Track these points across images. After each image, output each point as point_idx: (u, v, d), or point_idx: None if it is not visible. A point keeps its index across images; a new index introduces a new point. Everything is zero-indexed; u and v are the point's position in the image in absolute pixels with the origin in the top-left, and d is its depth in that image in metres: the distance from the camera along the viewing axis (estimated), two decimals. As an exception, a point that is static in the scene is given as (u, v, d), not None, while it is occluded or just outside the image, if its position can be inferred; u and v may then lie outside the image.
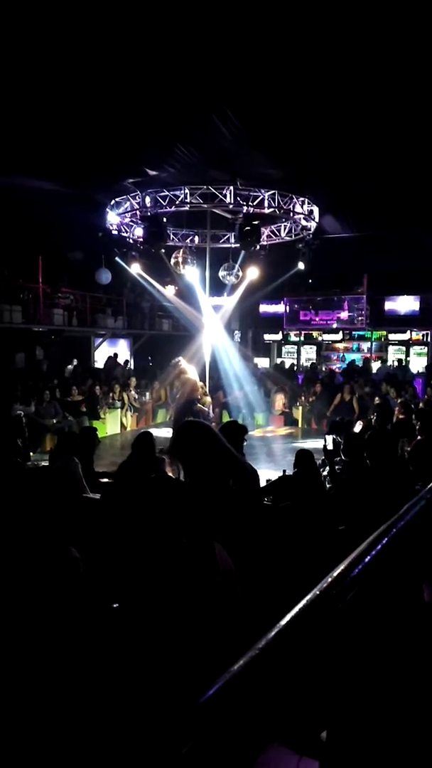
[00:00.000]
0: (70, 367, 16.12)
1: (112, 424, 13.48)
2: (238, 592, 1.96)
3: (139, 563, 2.08)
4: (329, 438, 5.78)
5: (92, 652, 1.75)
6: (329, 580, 0.64)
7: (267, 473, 6.06)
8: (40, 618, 1.70)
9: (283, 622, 0.59)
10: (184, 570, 1.80)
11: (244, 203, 10.52)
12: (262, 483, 5.11)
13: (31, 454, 9.28)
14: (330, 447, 5.69)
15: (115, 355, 17.39)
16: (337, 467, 5.78)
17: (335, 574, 0.65)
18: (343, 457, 5.41)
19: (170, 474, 6.59)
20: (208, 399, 10.00)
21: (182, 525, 1.94)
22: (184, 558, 1.83)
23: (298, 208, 11.17)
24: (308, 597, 0.62)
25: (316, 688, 0.60)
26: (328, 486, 5.91)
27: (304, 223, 11.82)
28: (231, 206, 10.61)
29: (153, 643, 1.73)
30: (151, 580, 1.87)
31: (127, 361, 17.68)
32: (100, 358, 17.59)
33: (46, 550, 1.84)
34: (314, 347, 20.79)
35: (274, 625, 0.60)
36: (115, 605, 2.34)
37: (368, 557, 0.67)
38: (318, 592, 0.61)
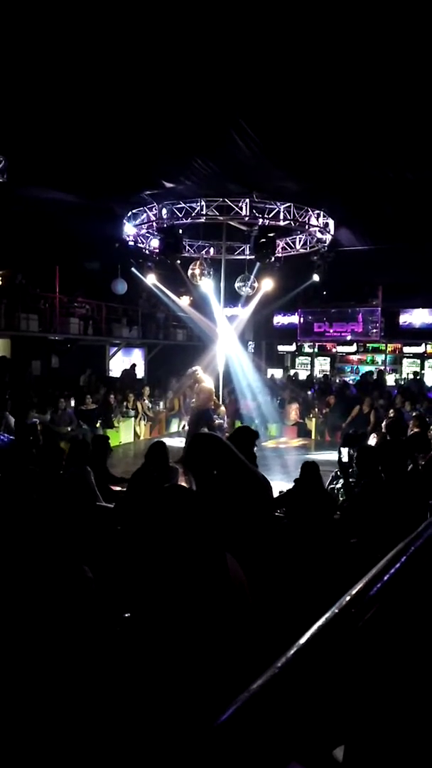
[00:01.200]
0: (84, 376, 16.24)
1: (125, 433, 13.52)
2: (250, 603, 1.95)
3: (151, 573, 2.08)
4: (344, 450, 5.74)
5: (102, 665, 1.75)
6: (347, 598, 0.64)
7: (280, 485, 6.02)
8: (51, 634, 1.70)
9: (302, 640, 0.59)
10: (196, 581, 1.80)
11: (260, 216, 10.58)
12: (275, 494, 5.09)
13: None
14: (345, 459, 5.65)
15: (133, 366, 17.48)
16: (351, 480, 5.74)
17: (353, 592, 0.65)
18: (356, 469, 5.37)
19: (183, 484, 6.58)
20: (222, 409, 10.01)
21: (195, 535, 1.93)
22: (197, 569, 1.83)
23: (313, 221, 11.20)
24: (327, 615, 0.62)
25: (333, 706, 0.60)
26: (341, 499, 5.87)
27: (319, 235, 11.84)
28: (247, 218, 10.67)
29: (163, 653, 1.72)
30: (162, 590, 1.87)
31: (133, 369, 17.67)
32: (114, 367, 17.70)
33: (59, 570, 1.84)
34: (328, 359, 20.74)
35: (293, 644, 0.60)
36: (126, 615, 2.34)
37: (387, 575, 0.67)
38: (336, 611, 0.61)
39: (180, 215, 10.76)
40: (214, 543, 1.88)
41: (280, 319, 21.12)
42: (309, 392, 16.36)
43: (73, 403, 12.32)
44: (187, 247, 12.91)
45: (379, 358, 20.04)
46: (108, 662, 1.73)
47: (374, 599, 0.63)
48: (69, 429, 11.27)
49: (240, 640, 1.76)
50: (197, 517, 1.96)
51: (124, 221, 11.91)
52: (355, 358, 20.44)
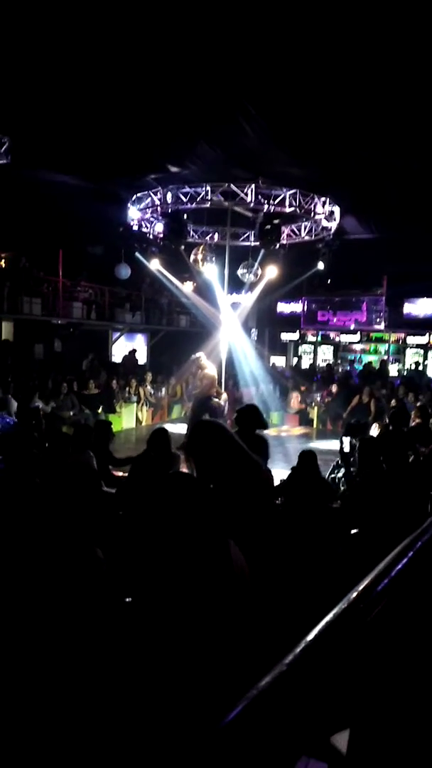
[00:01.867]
0: (86, 360, 16.23)
1: (127, 419, 13.55)
2: (250, 590, 1.96)
3: (154, 559, 2.09)
4: (346, 440, 5.75)
5: (105, 650, 1.76)
6: (354, 594, 0.64)
7: (281, 473, 6.03)
8: (62, 616, 1.71)
9: (310, 636, 0.59)
10: (199, 567, 1.81)
11: (265, 202, 10.49)
12: (276, 483, 5.10)
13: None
14: (347, 449, 5.66)
15: (134, 351, 17.45)
16: (352, 469, 5.75)
17: (360, 588, 0.65)
18: (359, 459, 5.38)
19: (185, 470, 6.61)
20: (225, 395, 10.00)
21: (199, 522, 1.94)
22: (200, 555, 1.84)
23: (319, 209, 11.10)
24: (334, 611, 0.62)
25: (340, 700, 0.60)
26: (342, 488, 5.89)
27: (324, 223, 11.74)
28: (252, 204, 10.58)
29: (165, 641, 1.74)
30: (165, 577, 1.88)
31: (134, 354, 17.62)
32: (117, 352, 17.67)
33: (72, 550, 1.85)
34: (331, 348, 20.68)
35: (299, 640, 0.60)
36: (127, 599, 2.36)
37: (394, 571, 0.67)
38: (344, 606, 0.61)
39: (185, 200, 10.67)
40: (217, 530, 1.89)
41: (283, 307, 21.03)
42: (314, 380, 16.35)
43: (75, 387, 12.33)
44: (192, 232, 12.82)
45: (383, 347, 19.99)
46: (112, 648, 1.74)
47: (382, 594, 0.63)
48: (71, 414, 11.29)
49: (240, 627, 1.77)
50: (201, 504, 1.97)
51: (129, 205, 11.82)
52: (358, 347, 20.38)
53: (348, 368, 18.75)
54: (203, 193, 10.48)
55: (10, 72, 6.82)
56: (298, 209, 10.78)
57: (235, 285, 13.18)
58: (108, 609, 1.82)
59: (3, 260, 14.53)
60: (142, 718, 1.52)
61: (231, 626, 1.72)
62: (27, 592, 1.79)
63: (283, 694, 0.54)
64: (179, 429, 10.34)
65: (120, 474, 6.25)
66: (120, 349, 17.79)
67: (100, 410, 12.33)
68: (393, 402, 12.10)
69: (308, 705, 0.55)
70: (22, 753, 1.49)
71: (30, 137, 8.53)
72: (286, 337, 21.37)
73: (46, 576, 1.78)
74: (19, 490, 3.04)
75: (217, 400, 9.28)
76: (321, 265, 12.53)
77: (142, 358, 18.50)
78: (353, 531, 4.03)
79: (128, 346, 17.91)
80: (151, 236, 12.61)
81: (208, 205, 10.70)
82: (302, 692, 0.55)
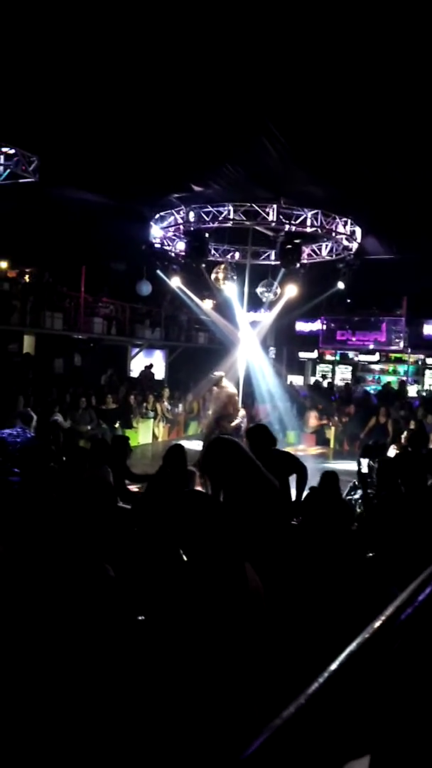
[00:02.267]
0: (105, 375, 16.36)
1: (144, 434, 13.58)
2: (266, 612, 1.94)
3: (169, 578, 2.07)
4: (364, 461, 5.68)
5: (114, 668, 1.74)
6: (378, 623, 0.63)
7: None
8: (73, 632, 1.70)
9: (333, 666, 0.58)
10: (214, 587, 1.79)
11: (287, 222, 10.55)
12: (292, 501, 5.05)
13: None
14: (365, 470, 5.59)
15: (150, 366, 17.56)
16: (370, 491, 5.68)
17: (384, 617, 0.63)
18: (376, 481, 5.32)
19: (200, 488, 6.59)
20: (242, 412, 9.96)
21: (214, 543, 1.93)
22: (215, 575, 1.82)
23: (340, 228, 11.13)
24: (357, 641, 0.61)
25: (361, 732, 0.59)
26: (359, 510, 5.80)
27: (345, 243, 11.77)
28: (273, 224, 10.65)
29: (177, 660, 1.72)
30: (179, 596, 1.87)
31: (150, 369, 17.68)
32: (135, 367, 17.80)
33: (83, 568, 1.85)
34: (350, 367, 20.56)
35: (319, 666, 0.59)
36: (140, 618, 2.34)
37: (418, 600, 0.66)
38: (368, 636, 0.60)
39: (207, 219, 10.79)
40: (233, 551, 1.88)
41: (302, 326, 21.01)
42: (331, 399, 16.24)
43: (94, 402, 12.41)
44: (213, 250, 12.94)
45: (402, 368, 19.82)
46: (122, 667, 1.73)
47: (406, 624, 0.62)
48: (89, 428, 11.35)
49: (256, 649, 1.74)
50: (217, 524, 1.96)
51: (151, 223, 11.99)
52: (377, 367, 20.23)
53: (366, 388, 18.61)
54: (225, 212, 10.60)
55: (40, 93, 7.01)
56: (319, 229, 10.83)
57: (255, 303, 13.23)
58: (117, 627, 1.81)
59: (27, 275, 14.80)
60: (154, 742, 1.50)
61: (246, 648, 1.70)
62: (36, 608, 1.79)
63: (306, 726, 0.53)
64: (195, 446, 10.32)
65: (136, 489, 6.25)
66: (139, 364, 17.92)
67: (117, 425, 12.38)
68: (412, 423, 11.96)
69: (331, 737, 0.54)
70: None
71: (58, 156, 8.74)
72: (304, 355, 21.31)
73: (55, 592, 1.78)
74: (35, 505, 3.05)
75: (234, 422, 9.26)
76: (341, 285, 12.51)
77: (160, 374, 18.58)
78: (370, 554, 3.97)
79: (147, 362, 18.03)
80: (172, 254, 12.75)
81: (229, 224, 10.81)
82: (325, 724, 0.54)
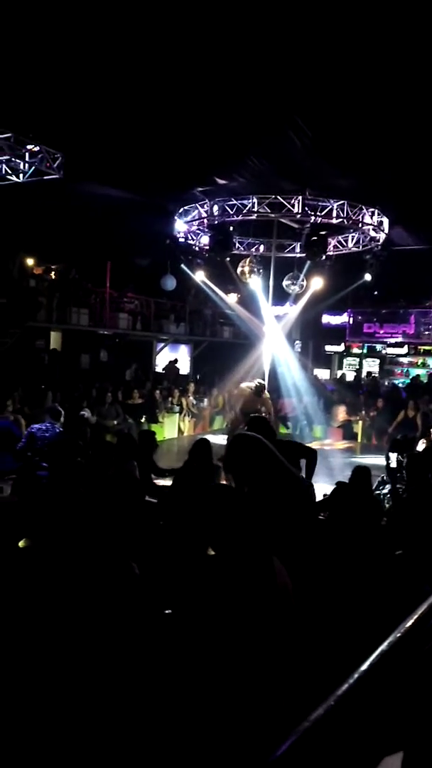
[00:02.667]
0: (130, 370, 16.48)
1: (169, 429, 13.63)
2: (294, 608, 1.91)
3: (197, 572, 2.06)
4: (393, 456, 5.59)
5: (138, 663, 1.74)
6: (410, 623, 0.60)
7: (324, 488, 5.92)
8: (98, 630, 1.71)
9: (365, 666, 0.56)
10: (242, 581, 1.77)
11: (312, 213, 10.41)
12: (319, 497, 5.00)
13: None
14: (393, 465, 5.50)
15: (175, 360, 17.62)
16: (399, 486, 5.59)
17: (415, 617, 0.61)
18: (405, 476, 5.23)
19: (225, 482, 6.57)
20: (269, 403, 9.89)
21: (243, 538, 1.91)
22: (243, 569, 1.81)
23: (367, 219, 10.94)
24: (389, 640, 0.58)
25: (393, 731, 0.57)
26: (387, 505, 5.72)
27: (372, 234, 11.56)
28: (298, 216, 10.53)
29: (204, 655, 1.70)
30: (207, 590, 1.86)
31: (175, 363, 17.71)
32: (161, 362, 17.88)
33: (109, 565, 1.85)
34: (377, 360, 20.27)
35: (349, 666, 0.56)
36: (167, 611, 2.34)
37: (453, 599, 0.63)
38: (399, 635, 0.58)
39: (231, 212, 10.73)
40: (261, 546, 1.86)
41: (328, 319, 20.78)
42: (359, 393, 16.05)
43: (120, 397, 12.50)
44: (237, 244, 12.87)
45: (431, 361, 19.46)
46: (149, 660, 1.72)
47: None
48: (115, 423, 11.44)
49: (284, 645, 1.72)
50: (244, 518, 1.94)
51: (175, 218, 11.98)
52: (405, 360, 19.90)
53: (394, 381, 18.32)
54: (249, 205, 10.51)
55: (64, 90, 7.05)
56: (345, 220, 10.67)
57: (280, 296, 13.13)
58: (141, 624, 1.80)
59: (53, 272, 14.96)
60: (180, 740, 1.49)
61: (274, 644, 1.68)
62: (60, 603, 1.79)
63: (337, 727, 0.50)
64: (221, 440, 10.32)
65: (162, 484, 6.28)
66: (164, 359, 18.00)
67: (143, 420, 12.46)
68: (442, 417, 11.72)
69: (361, 739, 0.52)
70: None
71: (82, 153, 8.79)
72: (330, 349, 21.09)
73: (80, 588, 1.78)
74: (63, 499, 3.08)
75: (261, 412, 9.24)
76: (368, 277, 12.31)
77: (185, 368, 18.62)
78: (398, 552, 3.90)
79: (172, 356, 18.09)
80: (196, 248, 12.73)
81: (254, 217, 10.72)
82: (356, 725, 0.52)
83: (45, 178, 8.77)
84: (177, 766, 1.44)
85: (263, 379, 10.06)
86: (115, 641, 1.68)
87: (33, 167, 8.60)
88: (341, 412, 14.60)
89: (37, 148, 8.49)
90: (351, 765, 0.52)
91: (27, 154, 8.58)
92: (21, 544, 2.73)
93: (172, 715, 1.55)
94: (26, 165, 8.64)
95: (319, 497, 4.96)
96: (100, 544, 1.97)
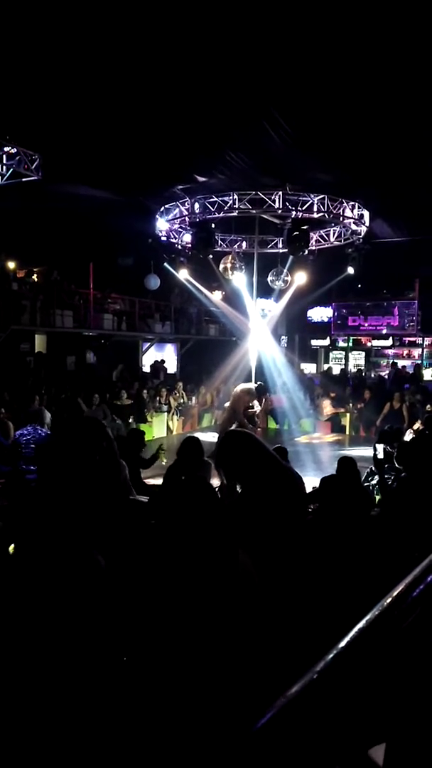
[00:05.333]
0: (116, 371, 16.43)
1: (158, 428, 13.62)
2: (259, 594, 1.93)
3: (163, 564, 2.07)
4: (379, 447, 5.62)
5: (104, 650, 1.74)
6: (389, 600, 0.60)
7: (313, 480, 5.96)
8: (57, 618, 1.70)
9: (342, 644, 0.56)
10: (205, 574, 1.79)
11: (293, 208, 10.45)
12: (308, 490, 5.03)
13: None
14: (380, 456, 5.53)
15: (162, 360, 17.60)
16: (387, 477, 5.63)
17: (395, 594, 0.61)
18: (396, 465, 5.26)
19: (215, 479, 6.59)
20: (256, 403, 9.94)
21: (207, 528, 1.93)
22: (207, 562, 1.82)
23: (348, 213, 11.00)
24: (367, 618, 0.59)
25: (374, 708, 0.57)
26: (377, 497, 5.76)
27: (354, 227, 11.63)
28: (280, 211, 10.55)
29: (168, 643, 1.72)
30: (169, 581, 1.87)
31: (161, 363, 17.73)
32: (147, 362, 17.86)
33: (68, 555, 1.85)
34: (363, 353, 20.41)
35: (331, 647, 0.57)
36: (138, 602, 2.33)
37: (430, 577, 0.63)
38: (378, 613, 0.58)
39: (212, 209, 10.73)
40: (226, 537, 1.87)
41: (313, 313, 20.88)
42: (347, 386, 16.15)
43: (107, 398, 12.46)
44: (220, 241, 12.88)
45: (416, 352, 19.62)
46: (113, 648, 1.73)
47: (417, 601, 0.60)
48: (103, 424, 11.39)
49: (252, 629, 1.74)
50: (211, 510, 1.95)
51: (157, 216, 11.94)
52: (390, 352, 20.06)
53: (380, 374, 18.46)
54: (231, 201, 10.52)
55: (38, 90, 6.99)
56: (326, 214, 10.71)
57: (265, 292, 13.16)
58: (107, 613, 1.80)
59: (35, 274, 14.86)
60: (158, 721, 1.50)
61: (239, 628, 1.70)
62: (32, 601, 1.79)
63: (314, 702, 0.51)
64: (210, 437, 10.33)
65: (152, 483, 6.28)
66: (150, 359, 17.98)
67: (131, 420, 12.43)
68: (429, 407, 11.85)
69: (340, 714, 0.52)
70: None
71: (60, 153, 8.72)
72: (316, 343, 21.19)
73: (42, 579, 1.78)
74: (52, 501, 3.05)
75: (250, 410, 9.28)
76: (351, 270, 12.38)
77: (172, 367, 18.61)
78: (387, 539, 3.93)
79: (158, 356, 18.07)
80: (179, 246, 12.71)
81: (235, 213, 10.73)
82: (333, 701, 0.52)
83: (23, 180, 8.70)
84: (157, 739, 1.45)
85: (251, 376, 10.08)
86: (86, 631, 1.68)
87: (11, 169, 8.52)
88: (326, 406, 14.69)
89: (14, 150, 8.41)
90: (331, 740, 0.53)
91: (4, 156, 8.50)
92: (11, 549, 2.72)
93: (144, 693, 1.56)
94: (3, 167, 8.56)
95: (308, 490, 4.99)
96: (60, 536, 1.97)
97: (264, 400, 10.54)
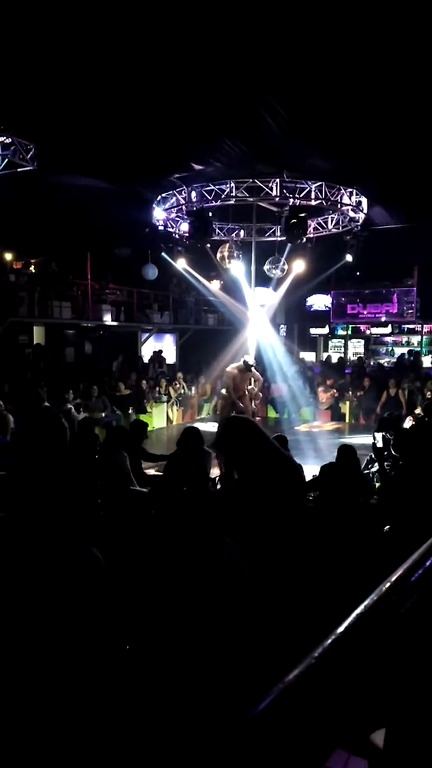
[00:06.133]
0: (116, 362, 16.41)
1: (158, 418, 13.64)
2: (249, 582, 1.94)
3: (151, 557, 2.09)
4: (378, 435, 5.64)
5: (101, 642, 1.75)
6: (387, 585, 0.60)
7: (313, 469, 5.98)
8: (55, 612, 1.71)
9: (341, 629, 0.56)
10: (191, 561, 1.80)
11: (291, 195, 10.38)
12: (308, 479, 5.05)
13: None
14: (380, 444, 5.55)
15: (160, 351, 17.57)
16: (386, 464, 5.65)
17: (393, 579, 0.61)
18: (393, 453, 5.28)
19: (216, 468, 6.61)
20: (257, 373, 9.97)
21: (193, 518, 1.94)
22: (192, 550, 1.83)
23: (345, 200, 10.93)
24: (366, 603, 0.59)
25: (373, 692, 0.57)
26: (377, 484, 5.78)
27: (352, 214, 11.55)
28: (277, 199, 10.48)
29: (161, 632, 1.73)
30: (160, 571, 1.88)
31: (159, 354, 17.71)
32: (146, 353, 17.83)
33: (66, 551, 1.85)
34: (362, 341, 20.39)
35: (330, 632, 0.57)
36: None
37: (429, 561, 0.63)
38: (376, 598, 0.58)
39: (209, 198, 10.65)
40: (212, 527, 1.89)
41: (312, 301, 20.82)
42: (346, 374, 16.16)
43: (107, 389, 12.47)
44: (217, 229, 12.80)
45: (415, 339, 19.60)
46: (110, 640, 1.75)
47: (416, 586, 0.60)
48: (103, 415, 11.41)
49: (242, 617, 1.76)
50: (198, 499, 1.97)
51: (154, 206, 11.87)
52: (390, 339, 20.04)
53: (380, 361, 18.46)
54: (228, 189, 10.45)
55: (32, 79, 6.91)
56: (324, 201, 10.64)
57: (263, 281, 13.11)
58: (105, 604, 1.82)
59: (33, 266, 14.79)
60: (157, 708, 1.51)
61: (229, 615, 1.71)
62: (22, 591, 1.80)
63: (313, 687, 0.51)
64: (210, 427, 10.35)
65: (153, 473, 6.30)
66: (149, 349, 17.95)
67: (131, 411, 12.45)
68: (429, 394, 11.87)
69: (339, 698, 0.53)
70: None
71: (55, 143, 8.64)
72: (315, 331, 21.15)
73: (39, 574, 1.79)
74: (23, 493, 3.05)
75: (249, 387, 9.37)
76: (349, 258, 12.32)
77: (171, 357, 18.59)
78: (386, 528, 3.95)
79: (157, 346, 18.04)
80: (176, 236, 12.63)
81: (232, 201, 10.66)
82: (332, 686, 0.52)
83: (19, 170, 8.62)
84: (156, 725, 1.47)
85: (248, 357, 10.07)
86: (75, 622, 1.69)
87: (6, 159, 8.44)
88: (322, 393, 14.72)
89: (8, 140, 8.33)
90: (331, 725, 0.53)
91: (-1, 146, 8.43)
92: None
93: (140, 681, 1.58)
94: (-1, 157, 8.49)
95: (308, 478, 5.01)
96: (57, 530, 1.98)
97: (261, 379, 10.55)
